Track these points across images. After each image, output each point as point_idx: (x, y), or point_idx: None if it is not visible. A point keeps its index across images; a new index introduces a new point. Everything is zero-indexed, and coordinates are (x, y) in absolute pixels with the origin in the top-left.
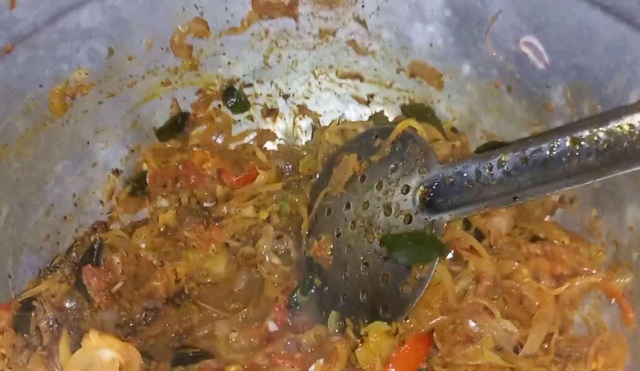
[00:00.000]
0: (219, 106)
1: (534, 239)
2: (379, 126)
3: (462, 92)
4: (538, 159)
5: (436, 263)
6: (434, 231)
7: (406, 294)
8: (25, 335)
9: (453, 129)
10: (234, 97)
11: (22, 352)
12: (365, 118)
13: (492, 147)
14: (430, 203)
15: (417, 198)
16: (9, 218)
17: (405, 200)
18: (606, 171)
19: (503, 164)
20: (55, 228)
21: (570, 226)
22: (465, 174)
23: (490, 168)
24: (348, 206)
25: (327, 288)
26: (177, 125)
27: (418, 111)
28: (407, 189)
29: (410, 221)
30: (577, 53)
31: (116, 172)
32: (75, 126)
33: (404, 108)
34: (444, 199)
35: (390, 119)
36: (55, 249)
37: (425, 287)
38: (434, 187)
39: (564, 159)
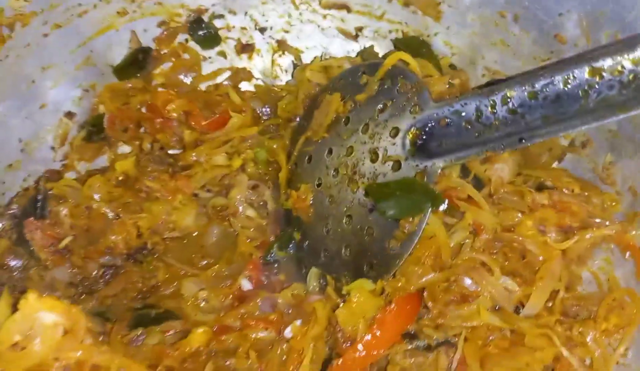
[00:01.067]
0: (186, 40)
1: (540, 187)
2: (367, 62)
3: (463, 23)
4: (550, 94)
5: (428, 215)
6: (425, 179)
7: (393, 249)
8: None
9: (451, 66)
10: (203, 29)
11: None
12: (353, 54)
13: None
14: (423, 147)
15: (408, 142)
16: None
17: (394, 144)
18: (631, 107)
19: (508, 100)
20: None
21: (581, 174)
22: (463, 114)
23: (493, 106)
24: (330, 152)
25: (307, 243)
26: (138, 62)
27: (412, 45)
28: (396, 131)
29: (399, 168)
30: None
31: (69, 114)
32: (17, 62)
33: (396, 42)
34: (438, 143)
35: (381, 54)
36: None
37: (415, 242)
38: (427, 129)
39: (580, 93)
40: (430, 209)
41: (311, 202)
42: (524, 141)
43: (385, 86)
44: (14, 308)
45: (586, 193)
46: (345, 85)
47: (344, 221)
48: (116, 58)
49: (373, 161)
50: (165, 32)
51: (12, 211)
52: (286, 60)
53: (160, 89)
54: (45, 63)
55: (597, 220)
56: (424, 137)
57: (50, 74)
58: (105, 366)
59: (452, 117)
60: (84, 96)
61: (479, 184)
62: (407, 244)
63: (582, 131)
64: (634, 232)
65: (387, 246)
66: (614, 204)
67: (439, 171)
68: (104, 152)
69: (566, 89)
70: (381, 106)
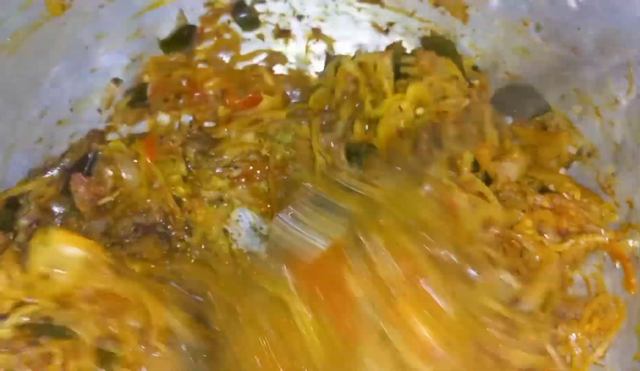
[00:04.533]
0: (229, 21)
1: (543, 190)
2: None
3: (488, 27)
4: None
5: None
6: None
7: None
8: (7, 233)
9: (474, 67)
10: (245, 12)
11: (2, 251)
12: (382, 48)
13: (513, 91)
14: None
15: None
16: (1, 115)
17: None
18: None
19: None
20: (49, 131)
21: (584, 182)
22: None
23: None
24: None
25: None
26: (183, 38)
27: (439, 44)
28: None
29: None
30: None
31: (116, 80)
32: (74, 28)
33: (424, 40)
34: None
35: (409, 50)
36: (47, 152)
37: None
38: None
39: None
40: None
41: None
42: None
43: None
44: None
45: (586, 200)
46: None
47: None
48: (164, 32)
49: None
50: (210, 12)
51: (64, 164)
52: (319, 47)
53: (200, 65)
54: (99, 32)
55: (593, 227)
56: None
57: (103, 42)
58: (122, 295)
59: None
60: (131, 65)
61: (487, 180)
62: None
63: (589, 140)
64: (626, 242)
65: None
66: (611, 213)
67: None
68: (144, 118)
69: None
70: None
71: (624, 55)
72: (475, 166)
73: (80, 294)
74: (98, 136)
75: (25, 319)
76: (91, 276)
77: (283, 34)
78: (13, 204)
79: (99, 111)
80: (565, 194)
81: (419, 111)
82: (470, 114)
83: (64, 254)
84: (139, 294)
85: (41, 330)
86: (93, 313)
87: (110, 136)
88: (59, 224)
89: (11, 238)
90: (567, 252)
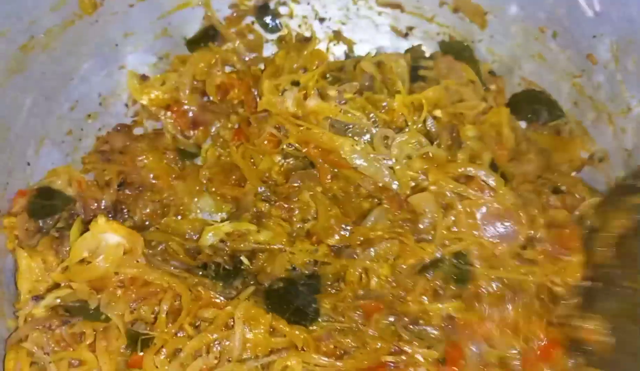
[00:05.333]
0: (252, 22)
1: (556, 191)
2: None
3: (506, 33)
4: None
5: None
6: None
7: None
8: (39, 220)
9: (491, 72)
10: (268, 15)
11: (33, 236)
12: (402, 51)
13: (528, 96)
14: None
15: None
16: (33, 109)
17: None
18: None
19: None
20: (79, 124)
21: (595, 186)
22: None
23: None
24: None
25: None
26: (209, 37)
27: (457, 49)
28: None
29: None
30: (630, 4)
31: (144, 77)
32: (104, 27)
33: (442, 45)
34: None
35: (428, 54)
36: (77, 144)
37: None
38: None
39: None
40: None
41: None
42: None
43: None
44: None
45: None
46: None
47: None
48: (190, 32)
49: None
50: (234, 13)
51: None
52: (339, 49)
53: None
54: (128, 30)
55: None
56: None
57: (131, 40)
58: (155, 283)
59: None
60: (158, 62)
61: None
62: None
63: (601, 146)
64: None
65: None
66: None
67: None
68: None
69: None
70: None
71: (638, 64)
72: (493, 167)
73: (115, 280)
74: (125, 129)
75: (59, 301)
76: (128, 263)
77: (305, 40)
78: (45, 193)
79: (126, 105)
80: (577, 195)
81: (437, 112)
82: (487, 117)
83: (106, 240)
84: (170, 282)
85: (75, 311)
86: (126, 297)
87: (136, 131)
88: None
89: (40, 224)
90: None
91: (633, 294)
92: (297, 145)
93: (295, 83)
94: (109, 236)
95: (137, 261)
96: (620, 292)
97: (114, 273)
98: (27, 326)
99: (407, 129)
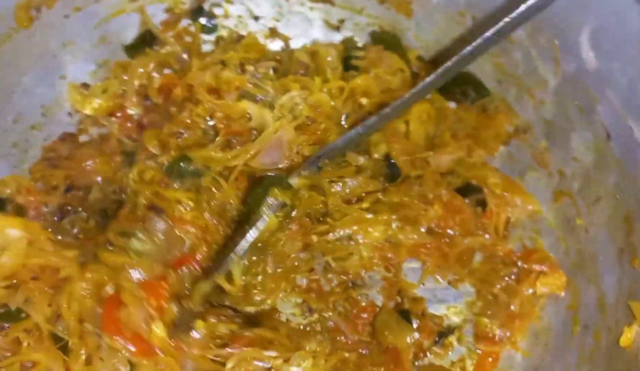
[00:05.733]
0: (189, 25)
1: (467, 185)
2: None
3: (430, 20)
4: None
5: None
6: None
7: None
8: None
9: (419, 58)
10: (204, 16)
11: None
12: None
13: (456, 78)
14: None
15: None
16: None
17: None
18: None
19: None
20: (23, 136)
21: (521, 157)
22: None
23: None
24: None
25: None
26: (146, 42)
27: (386, 38)
28: None
29: None
30: None
31: (84, 85)
32: (42, 39)
33: (373, 35)
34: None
35: (360, 44)
36: (23, 156)
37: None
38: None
39: None
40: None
41: None
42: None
43: None
44: None
45: (508, 194)
46: None
47: None
48: (127, 38)
49: None
50: (170, 17)
51: None
52: (276, 45)
53: (166, 71)
54: (65, 40)
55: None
56: None
57: (70, 50)
58: (66, 269)
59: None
60: (97, 70)
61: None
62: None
63: (524, 118)
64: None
65: None
66: (533, 202)
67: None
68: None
69: None
70: None
71: (549, 39)
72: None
73: (26, 273)
74: (70, 138)
75: None
76: (33, 254)
77: (240, 39)
78: None
79: (69, 114)
80: (485, 190)
81: (363, 100)
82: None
83: (8, 236)
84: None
85: (4, 318)
86: (40, 290)
87: (82, 138)
88: None
89: None
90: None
91: None
92: None
93: (222, 62)
94: (10, 231)
95: (45, 249)
96: None
97: (23, 265)
98: None
99: None
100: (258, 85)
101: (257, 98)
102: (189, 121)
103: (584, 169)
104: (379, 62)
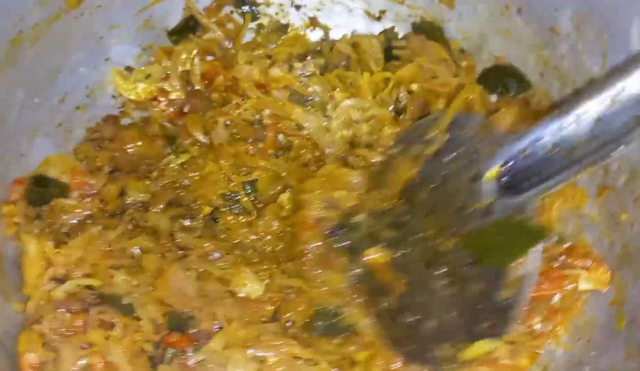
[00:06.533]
0: (231, 12)
1: None
2: (423, 119)
3: (473, 12)
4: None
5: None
6: (521, 216)
7: (507, 300)
8: (36, 207)
9: (461, 50)
10: (246, 4)
11: (32, 222)
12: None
13: (498, 71)
14: (509, 184)
15: (492, 184)
16: (24, 102)
17: (478, 190)
18: None
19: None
20: (68, 116)
21: None
22: (545, 139)
23: (575, 122)
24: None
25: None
26: (189, 28)
27: (428, 29)
28: (475, 176)
29: (488, 213)
30: None
31: (128, 69)
32: (89, 20)
33: (414, 26)
34: (523, 176)
35: (400, 35)
36: (67, 135)
37: (532, 285)
38: (509, 165)
39: None
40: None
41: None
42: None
43: (451, 135)
44: None
45: None
46: (408, 145)
47: (441, 283)
48: (171, 23)
49: (458, 213)
50: (214, 4)
51: None
52: (316, 35)
53: (208, 58)
54: (112, 23)
55: None
56: (508, 174)
57: (115, 33)
58: None
59: (532, 147)
60: (142, 54)
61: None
62: (522, 289)
63: None
64: None
65: (498, 298)
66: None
67: (534, 203)
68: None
69: None
70: (454, 154)
71: (598, 32)
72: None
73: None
74: (113, 120)
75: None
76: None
77: (282, 28)
78: (40, 181)
79: (113, 97)
80: None
81: (413, 86)
82: (460, 93)
83: None
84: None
85: (108, 300)
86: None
87: (124, 121)
88: None
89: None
90: None
91: None
92: None
93: (268, 57)
94: None
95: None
96: None
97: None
98: (45, 308)
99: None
100: (305, 84)
101: (305, 100)
102: (235, 114)
103: (629, 164)
104: (421, 51)
